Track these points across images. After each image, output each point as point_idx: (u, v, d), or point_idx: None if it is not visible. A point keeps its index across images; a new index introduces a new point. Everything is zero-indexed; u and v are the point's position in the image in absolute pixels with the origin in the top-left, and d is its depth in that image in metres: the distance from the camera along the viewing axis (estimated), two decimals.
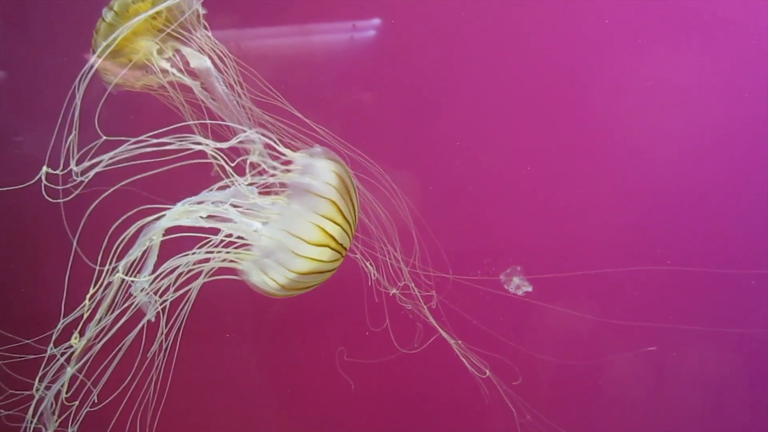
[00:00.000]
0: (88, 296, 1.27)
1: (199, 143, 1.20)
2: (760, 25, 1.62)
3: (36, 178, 1.29)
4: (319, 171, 1.35)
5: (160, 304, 1.35)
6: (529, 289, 1.81)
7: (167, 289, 1.33)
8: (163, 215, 1.32)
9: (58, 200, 1.27)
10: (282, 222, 1.35)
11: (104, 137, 1.22)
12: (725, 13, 1.62)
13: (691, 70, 1.66)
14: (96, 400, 1.42)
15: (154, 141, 1.20)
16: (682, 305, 1.75)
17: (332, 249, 1.39)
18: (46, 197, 1.26)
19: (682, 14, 1.63)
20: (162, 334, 1.38)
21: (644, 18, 1.63)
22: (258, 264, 1.37)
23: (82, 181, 1.24)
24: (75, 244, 1.33)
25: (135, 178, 1.26)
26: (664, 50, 1.65)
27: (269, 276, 1.38)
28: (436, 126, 1.70)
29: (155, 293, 1.33)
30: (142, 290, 1.30)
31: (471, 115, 1.68)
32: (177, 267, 1.34)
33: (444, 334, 1.55)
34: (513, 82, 1.69)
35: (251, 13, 1.56)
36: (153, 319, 1.31)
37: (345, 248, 1.40)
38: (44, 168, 1.24)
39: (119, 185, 1.25)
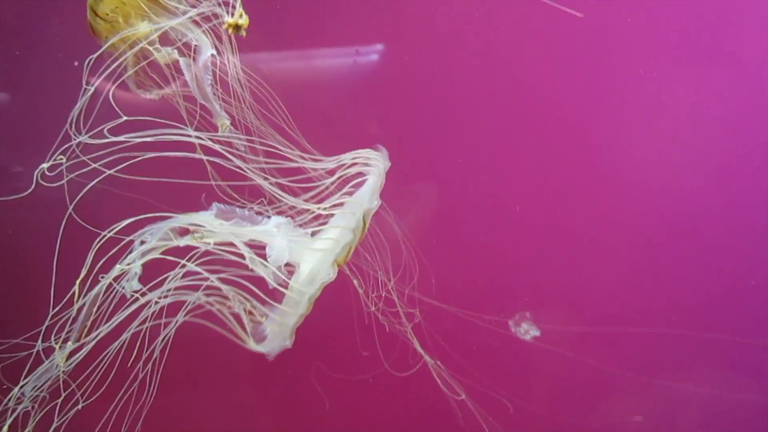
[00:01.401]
0: (77, 281, 1.29)
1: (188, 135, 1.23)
2: None
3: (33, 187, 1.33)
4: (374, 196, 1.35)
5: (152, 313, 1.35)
6: (537, 333, 1.76)
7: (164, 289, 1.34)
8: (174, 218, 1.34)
9: (56, 184, 1.30)
10: (329, 246, 1.33)
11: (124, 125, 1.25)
12: (734, 46, 1.59)
13: (701, 106, 1.63)
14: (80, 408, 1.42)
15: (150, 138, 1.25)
16: (691, 365, 1.67)
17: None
18: (44, 182, 1.30)
19: (691, 47, 1.60)
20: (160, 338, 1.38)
21: (655, 54, 1.62)
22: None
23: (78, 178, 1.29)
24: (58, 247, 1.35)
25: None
26: (675, 87, 1.62)
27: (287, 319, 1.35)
28: (438, 151, 1.68)
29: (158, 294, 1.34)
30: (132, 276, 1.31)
31: (476, 139, 1.66)
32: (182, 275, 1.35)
33: (424, 355, 1.49)
34: (518, 113, 1.65)
35: (255, 37, 1.62)
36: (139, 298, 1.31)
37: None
38: (44, 165, 1.29)
39: (98, 179, 1.28)
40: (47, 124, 1.53)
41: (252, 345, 1.36)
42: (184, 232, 1.41)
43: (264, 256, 1.35)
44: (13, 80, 1.62)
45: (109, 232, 1.32)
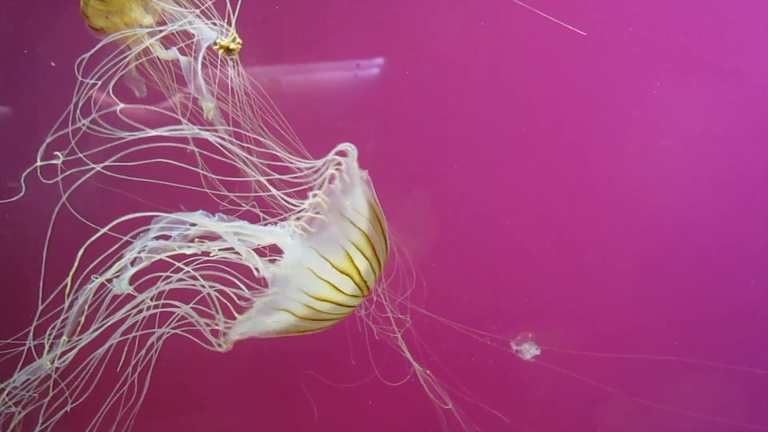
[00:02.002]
0: (69, 276, 1.28)
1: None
2: None
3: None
4: (357, 197, 1.32)
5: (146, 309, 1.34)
6: (538, 352, 1.74)
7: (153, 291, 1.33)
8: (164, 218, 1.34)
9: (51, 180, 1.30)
10: (313, 240, 1.32)
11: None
12: (737, 61, 1.59)
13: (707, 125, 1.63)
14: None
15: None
16: (691, 389, 1.63)
17: (355, 283, 1.35)
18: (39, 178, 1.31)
19: (693, 63, 1.61)
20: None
21: (657, 70, 1.63)
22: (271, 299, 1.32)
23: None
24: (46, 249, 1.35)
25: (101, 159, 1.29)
26: (677, 103, 1.62)
27: (282, 308, 1.33)
28: (438, 163, 1.68)
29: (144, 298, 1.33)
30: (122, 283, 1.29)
31: (475, 153, 1.66)
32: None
33: (413, 362, 1.45)
34: (518, 127, 1.65)
35: (255, 49, 1.64)
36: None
37: (367, 289, 1.34)
38: (38, 162, 1.30)
39: (88, 175, 1.29)
40: (44, 138, 1.56)
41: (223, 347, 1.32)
42: (186, 237, 1.41)
43: (261, 256, 1.34)
44: (9, 94, 1.64)
45: (104, 229, 1.32)
